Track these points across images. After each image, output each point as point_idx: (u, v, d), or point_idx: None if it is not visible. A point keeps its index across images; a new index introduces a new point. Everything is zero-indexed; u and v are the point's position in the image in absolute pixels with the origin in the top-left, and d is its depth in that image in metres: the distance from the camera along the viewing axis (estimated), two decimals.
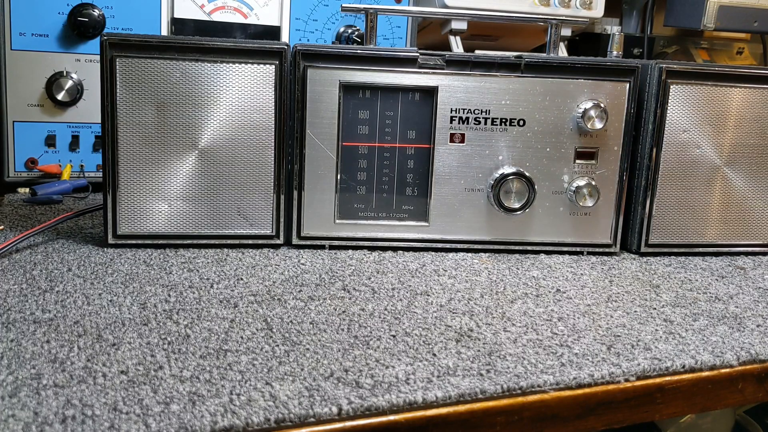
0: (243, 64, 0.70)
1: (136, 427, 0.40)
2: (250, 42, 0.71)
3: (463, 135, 0.74)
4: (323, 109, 0.72)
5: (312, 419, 0.43)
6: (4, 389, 0.43)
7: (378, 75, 0.72)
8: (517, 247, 0.77)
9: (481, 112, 0.73)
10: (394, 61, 0.72)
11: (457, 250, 0.76)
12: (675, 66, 0.76)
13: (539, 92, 0.74)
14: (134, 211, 0.70)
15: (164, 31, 0.94)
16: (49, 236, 0.74)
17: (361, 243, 0.75)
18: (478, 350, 0.52)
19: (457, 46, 1.02)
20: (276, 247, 0.74)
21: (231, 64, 0.69)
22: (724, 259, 0.79)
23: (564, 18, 0.98)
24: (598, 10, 1.07)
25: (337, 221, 0.74)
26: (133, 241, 0.71)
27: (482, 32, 1.10)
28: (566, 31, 1.06)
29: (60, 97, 0.91)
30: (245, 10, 0.97)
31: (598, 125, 0.74)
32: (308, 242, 0.74)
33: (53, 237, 0.74)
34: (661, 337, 0.57)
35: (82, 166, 0.94)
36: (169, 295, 0.59)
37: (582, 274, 0.71)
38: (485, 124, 0.74)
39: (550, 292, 0.66)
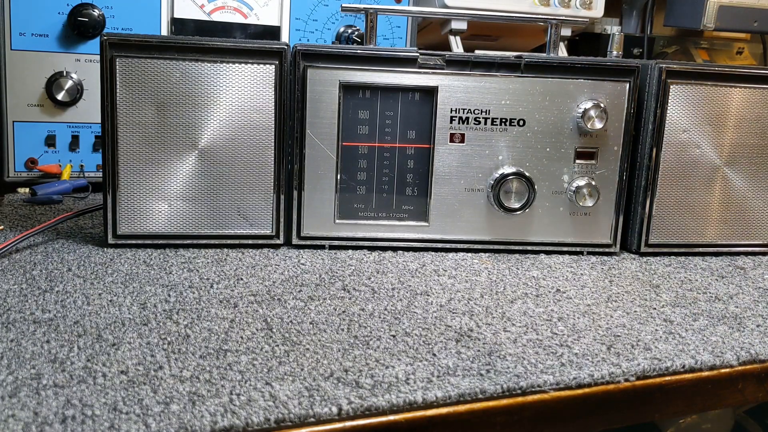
0: (243, 64, 0.70)
1: (136, 427, 0.40)
2: (250, 42, 0.71)
3: (463, 135, 0.74)
4: (323, 109, 0.72)
5: (312, 419, 0.43)
6: (4, 389, 0.43)
7: (378, 75, 0.72)
8: (517, 247, 0.77)
9: (481, 112, 0.73)
10: (394, 61, 0.72)
11: (457, 250, 0.76)
12: (675, 66, 0.76)
13: (539, 92, 0.74)
14: (134, 211, 0.70)
15: (164, 31, 0.94)
16: (49, 236, 0.74)
17: (361, 243, 0.75)
18: (478, 350, 0.52)
19: (457, 46, 1.02)
20: (276, 247, 0.74)
21: (231, 64, 0.69)
22: (724, 259, 0.79)
23: (564, 18, 0.98)
24: (598, 10, 1.07)
25: (337, 221, 0.74)
26: (133, 241, 0.71)
27: (482, 32, 1.10)
28: (566, 31, 1.06)
29: (60, 97, 0.91)
30: (245, 10, 0.97)
31: (598, 125, 0.74)
32: (308, 242, 0.74)
33: (53, 237, 0.74)
34: (661, 337, 0.57)
35: (82, 166, 0.94)
36: (169, 295, 0.59)
37: (582, 274, 0.71)
38: (485, 124, 0.74)
39: (550, 292, 0.66)
